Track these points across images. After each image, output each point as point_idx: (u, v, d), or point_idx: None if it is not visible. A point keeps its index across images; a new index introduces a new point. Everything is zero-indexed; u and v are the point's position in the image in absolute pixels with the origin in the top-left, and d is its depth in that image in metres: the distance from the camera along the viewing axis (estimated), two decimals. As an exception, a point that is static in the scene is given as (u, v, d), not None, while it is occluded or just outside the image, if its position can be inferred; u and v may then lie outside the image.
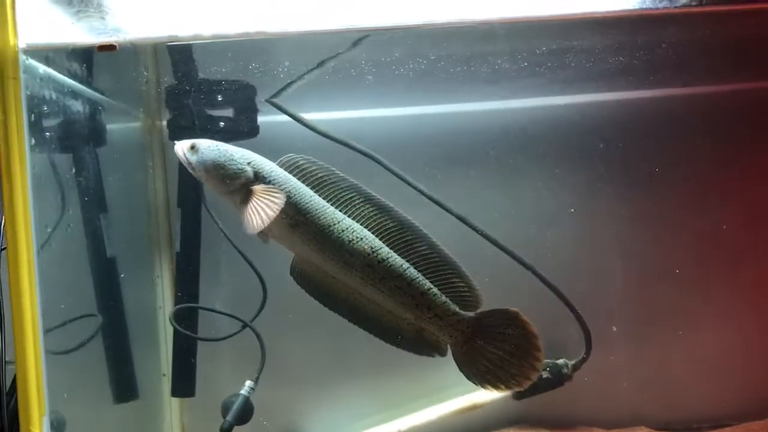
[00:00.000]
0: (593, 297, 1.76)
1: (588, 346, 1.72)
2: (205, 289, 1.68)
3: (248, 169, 1.27)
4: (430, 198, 1.64)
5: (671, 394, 1.82)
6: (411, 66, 1.47)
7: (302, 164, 1.32)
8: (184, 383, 1.66)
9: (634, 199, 1.80)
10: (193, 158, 1.26)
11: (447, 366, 1.77)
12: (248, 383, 1.58)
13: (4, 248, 1.16)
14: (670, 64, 1.61)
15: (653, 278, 1.80)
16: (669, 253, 1.80)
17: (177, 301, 1.67)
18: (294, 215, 1.27)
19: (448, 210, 1.64)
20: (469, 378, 1.34)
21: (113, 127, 1.59)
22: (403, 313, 1.33)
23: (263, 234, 1.31)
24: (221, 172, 1.25)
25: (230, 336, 1.63)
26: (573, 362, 1.74)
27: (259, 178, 1.27)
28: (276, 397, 1.72)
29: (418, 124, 1.80)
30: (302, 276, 1.35)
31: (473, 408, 1.73)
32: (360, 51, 1.39)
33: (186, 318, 1.64)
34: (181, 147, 1.27)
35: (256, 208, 1.23)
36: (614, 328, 1.79)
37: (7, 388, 1.23)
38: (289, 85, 1.58)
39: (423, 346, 1.36)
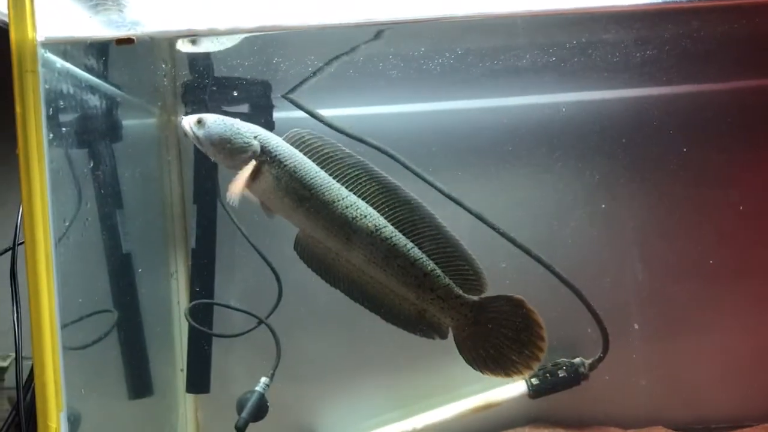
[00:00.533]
0: (612, 296, 1.75)
1: (605, 345, 1.70)
2: (220, 286, 1.68)
3: (255, 143, 1.29)
4: (447, 195, 1.63)
5: (689, 394, 1.80)
6: (437, 61, 1.46)
7: (308, 139, 1.33)
8: (198, 380, 1.66)
9: (655, 197, 1.78)
10: (200, 132, 1.28)
11: (463, 364, 1.78)
12: (263, 380, 1.57)
13: (22, 243, 1.15)
14: (694, 58, 1.59)
15: (674, 277, 1.78)
16: (690, 251, 1.78)
17: (192, 297, 1.66)
18: (299, 190, 1.28)
19: (465, 208, 1.63)
20: (469, 363, 1.34)
21: (129, 122, 1.58)
22: (405, 293, 1.32)
23: (267, 209, 1.33)
24: (228, 146, 1.27)
25: (245, 332, 1.62)
26: (590, 361, 1.72)
27: (265, 152, 1.29)
28: (291, 394, 1.72)
29: (436, 121, 1.79)
30: (305, 251, 1.35)
31: (489, 407, 1.72)
32: (377, 45, 1.38)
33: (201, 314, 1.64)
34: (188, 121, 1.29)
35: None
36: (636, 326, 1.77)
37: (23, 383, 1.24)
38: (304, 80, 1.58)
39: (424, 327, 1.35)
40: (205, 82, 1.53)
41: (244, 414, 1.50)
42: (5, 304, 1.92)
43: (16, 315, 1.26)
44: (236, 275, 1.75)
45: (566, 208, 1.78)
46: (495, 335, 1.31)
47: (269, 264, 1.62)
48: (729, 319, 1.79)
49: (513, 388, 1.73)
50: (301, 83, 1.58)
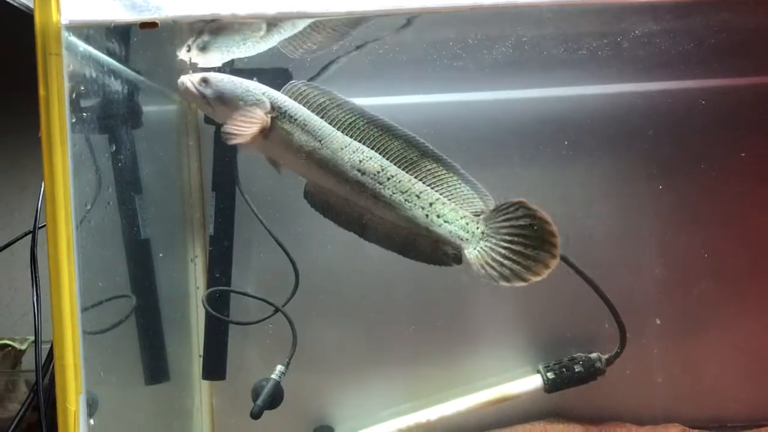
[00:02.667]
0: (630, 291, 1.74)
1: (622, 340, 1.69)
2: (237, 273, 1.68)
3: (265, 99, 1.29)
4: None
5: (706, 392, 1.79)
6: (466, 49, 1.45)
7: (305, 91, 1.34)
8: (214, 366, 1.66)
9: (679, 193, 1.76)
10: (207, 91, 1.26)
11: (478, 356, 1.78)
12: (279, 368, 1.58)
13: (42, 226, 1.16)
14: (725, 52, 1.56)
15: (693, 273, 1.77)
16: (712, 250, 1.76)
17: (210, 284, 1.66)
18: (310, 142, 1.30)
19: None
20: (486, 278, 1.30)
21: (149, 109, 1.58)
22: (416, 226, 1.34)
23: (276, 163, 1.35)
24: (241, 104, 1.26)
25: (262, 320, 1.62)
26: (606, 356, 1.71)
27: (275, 108, 1.29)
28: (305, 383, 1.72)
29: (457, 111, 1.78)
30: (316, 200, 1.37)
31: (504, 399, 1.71)
32: (403, 34, 1.37)
33: (218, 301, 1.64)
34: (190, 80, 1.26)
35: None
36: (658, 321, 1.75)
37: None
38: (324, 68, 1.57)
39: (439, 256, 1.36)
40: (225, 71, 1.52)
41: (259, 401, 1.50)
42: (21, 291, 1.96)
43: (35, 298, 1.27)
44: (254, 263, 1.76)
45: (587, 201, 1.77)
46: (506, 244, 1.30)
47: (286, 252, 1.61)
48: (748, 317, 1.77)
49: (529, 382, 1.72)
50: (321, 71, 1.57)
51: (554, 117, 1.73)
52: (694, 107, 1.72)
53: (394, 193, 1.32)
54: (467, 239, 1.32)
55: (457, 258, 1.34)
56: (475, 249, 1.31)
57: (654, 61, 1.60)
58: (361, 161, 1.31)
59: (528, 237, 1.28)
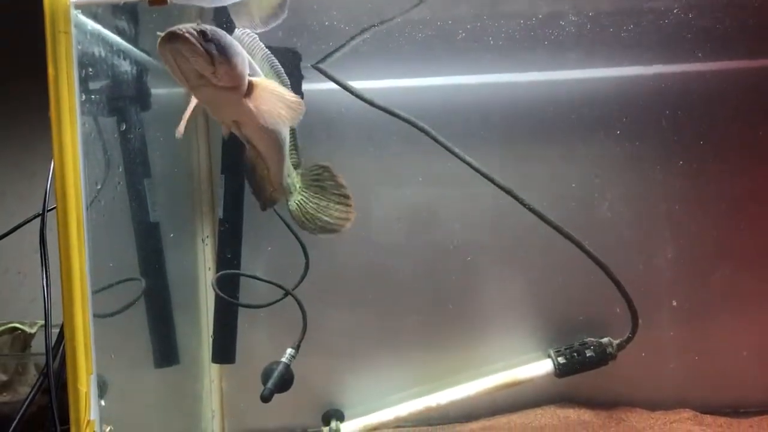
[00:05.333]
0: (643, 276, 1.73)
1: (634, 325, 1.68)
2: (247, 256, 1.67)
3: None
4: (476, 170, 1.61)
5: (719, 378, 1.78)
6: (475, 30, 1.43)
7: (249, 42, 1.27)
8: (224, 350, 1.65)
9: (696, 175, 1.74)
10: (210, 46, 1.06)
11: (488, 340, 1.77)
12: (289, 351, 1.56)
13: (51, 209, 1.15)
14: (750, 33, 1.54)
15: (707, 259, 1.75)
16: (725, 234, 1.75)
17: (219, 267, 1.66)
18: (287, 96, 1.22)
19: (495, 182, 1.61)
20: (303, 228, 1.48)
21: (158, 91, 1.57)
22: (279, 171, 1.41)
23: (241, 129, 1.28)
24: (242, 59, 1.12)
25: (272, 303, 1.62)
26: (618, 341, 1.70)
27: (251, 67, 1.20)
28: (315, 366, 1.72)
29: (471, 94, 1.76)
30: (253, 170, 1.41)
31: (514, 384, 1.70)
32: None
33: (228, 285, 1.63)
34: (189, 33, 1.03)
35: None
36: (674, 303, 1.74)
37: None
38: (336, 50, 1.56)
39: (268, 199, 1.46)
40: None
41: (269, 384, 1.49)
42: (31, 276, 1.96)
43: (45, 280, 1.27)
44: (263, 246, 1.75)
45: (601, 183, 1.76)
46: (315, 200, 1.47)
47: (296, 235, 1.60)
48: (762, 303, 1.75)
49: (539, 367, 1.71)
50: (332, 53, 1.56)
51: (567, 99, 1.72)
52: (712, 89, 1.70)
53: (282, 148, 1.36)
54: (291, 192, 1.44)
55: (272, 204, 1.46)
56: (294, 202, 1.45)
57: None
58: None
59: (331, 196, 1.46)
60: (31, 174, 1.98)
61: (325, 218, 1.47)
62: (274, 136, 1.32)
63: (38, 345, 1.77)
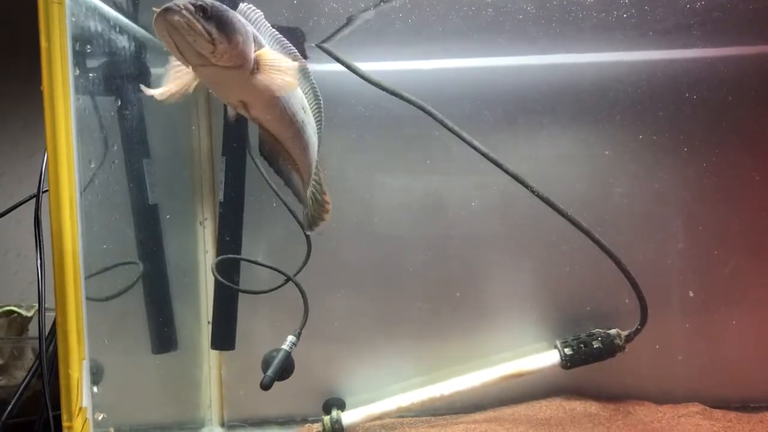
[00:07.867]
0: (653, 267, 1.70)
1: (643, 317, 1.64)
2: (247, 241, 1.64)
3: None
4: (484, 154, 1.57)
5: (728, 371, 1.75)
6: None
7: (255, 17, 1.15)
8: (223, 336, 1.62)
9: (709, 164, 1.71)
10: (209, 24, 0.98)
11: (494, 330, 1.74)
12: (290, 338, 1.54)
13: (46, 190, 1.11)
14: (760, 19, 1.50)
15: (719, 250, 1.72)
16: (739, 226, 1.71)
17: (219, 252, 1.62)
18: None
19: (502, 168, 1.57)
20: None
21: (158, 70, 1.53)
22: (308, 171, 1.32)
23: (247, 107, 1.17)
24: (245, 38, 1.04)
25: (273, 290, 1.58)
26: (626, 333, 1.66)
27: (257, 41, 1.11)
28: (316, 354, 1.69)
29: (480, 77, 1.73)
30: (268, 149, 1.26)
31: (520, 375, 1.67)
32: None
33: (228, 270, 1.60)
34: (186, 9, 0.95)
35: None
36: (691, 294, 1.70)
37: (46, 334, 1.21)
38: (340, 29, 1.52)
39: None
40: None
41: (269, 372, 1.46)
42: (29, 259, 1.93)
43: (39, 263, 1.23)
44: (264, 231, 1.71)
45: (612, 171, 1.73)
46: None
47: (298, 219, 1.56)
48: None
49: (545, 358, 1.68)
50: (337, 32, 1.52)
51: (576, 84, 1.69)
52: (725, 76, 1.66)
53: (312, 134, 1.27)
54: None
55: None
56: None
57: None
58: (301, 97, 1.22)
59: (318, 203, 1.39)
60: (30, 154, 1.95)
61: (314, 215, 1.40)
62: (288, 118, 1.20)
63: (35, 329, 1.74)
